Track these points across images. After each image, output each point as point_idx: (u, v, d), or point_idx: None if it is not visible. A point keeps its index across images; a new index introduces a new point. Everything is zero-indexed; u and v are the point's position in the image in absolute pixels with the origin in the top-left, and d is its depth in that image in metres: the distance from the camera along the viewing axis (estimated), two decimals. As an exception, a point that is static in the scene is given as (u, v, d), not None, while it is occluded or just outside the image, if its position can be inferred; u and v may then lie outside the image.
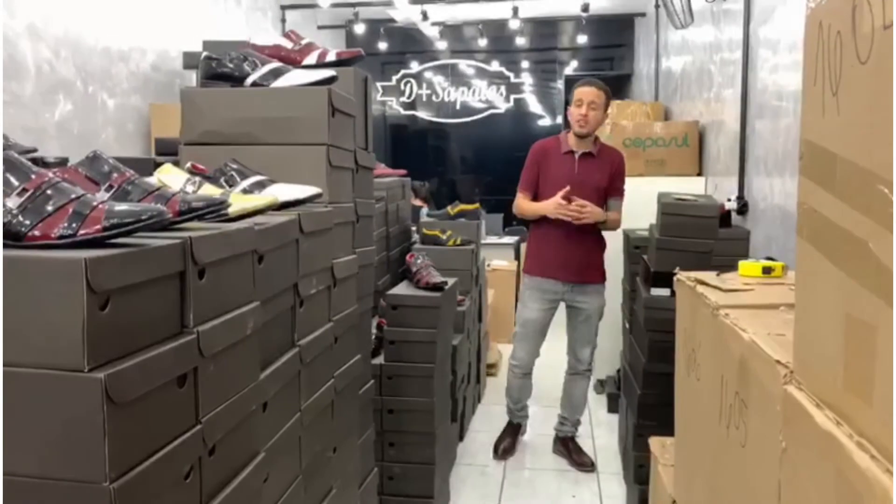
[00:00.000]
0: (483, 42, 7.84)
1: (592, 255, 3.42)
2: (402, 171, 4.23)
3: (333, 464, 1.84)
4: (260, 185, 1.60)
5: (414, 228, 4.27)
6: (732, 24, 3.63)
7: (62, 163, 2.11)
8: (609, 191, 3.37)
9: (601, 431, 3.94)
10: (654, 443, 2.05)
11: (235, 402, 1.20)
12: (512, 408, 3.70)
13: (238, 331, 1.20)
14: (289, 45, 2.07)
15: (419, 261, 3.25)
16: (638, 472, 2.83)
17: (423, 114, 8.85)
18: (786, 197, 2.79)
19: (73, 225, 0.94)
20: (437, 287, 3.05)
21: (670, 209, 2.88)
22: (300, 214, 1.54)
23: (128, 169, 1.23)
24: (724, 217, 3.09)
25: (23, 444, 0.87)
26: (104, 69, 4.19)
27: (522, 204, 3.42)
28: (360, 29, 7.20)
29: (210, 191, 1.44)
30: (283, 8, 6.74)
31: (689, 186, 3.92)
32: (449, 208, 4.35)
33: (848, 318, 0.75)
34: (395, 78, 8.69)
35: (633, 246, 3.55)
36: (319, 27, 7.45)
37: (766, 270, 1.63)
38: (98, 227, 0.95)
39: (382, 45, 7.68)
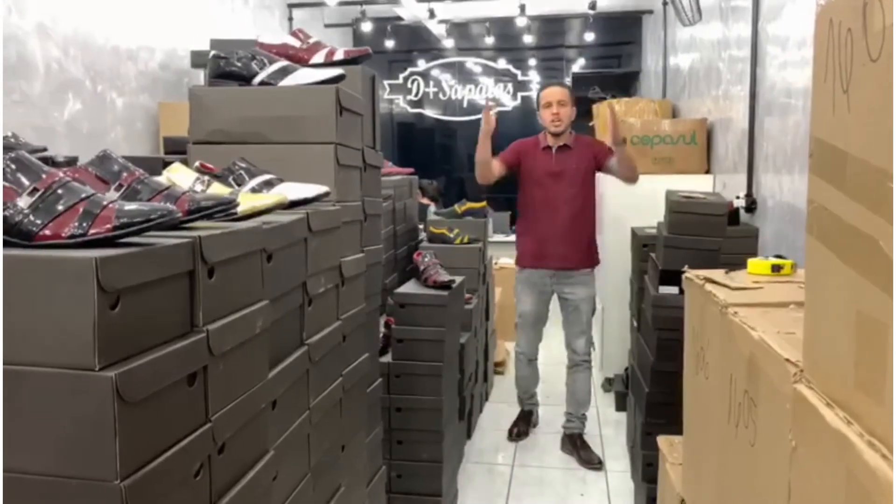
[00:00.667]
0: (490, 40, 7.83)
1: (579, 241, 3.54)
2: (410, 170, 4.23)
3: (342, 462, 1.84)
4: (268, 184, 1.60)
5: (421, 227, 4.27)
6: (741, 21, 3.62)
7: (71, 162, 2.12)
8: (600, 161, 3.54)
9: (609, 430, 3.94)
10: (663, 441, 2.05)
11: (244, 401, 1.20)
12: (521, 396, 3.88)
13: (247, 329, 1.21)
14: (296, 43, 2.07)
15: (427, 259, 3.26)
16: (646, 470, 2.82)
17: (430, 112, 8.84)
18: (794, 194, 2.78)
19: (84, 224, 0.95)
20: (445, 285, 3.05)
21: (678, 207, 2.87)
22: (308, 213, 1.54)
23: (137, 168, 1.23)
24: (733, 215, 3.08)
25: (34, 442, 0.88)
26: (113, 68, 4.21)
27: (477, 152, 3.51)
28: (366, 27, 7.20)
29: (219, 190, 1.44)
30: (291, 6, 6.75)
31: (697, 184, 3.91)
32: (456, 206, 4.35)
33: (858, 316, 0.74)
34: (402, 76, 8.69)
35: (641, 244, 3.54)
36: (326, 25, 7.46)
37: (776, 268, 1.63)
38: (108, 226, 0.95)
39: (389, 44, 7.68)
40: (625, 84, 8.21)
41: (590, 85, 7.71)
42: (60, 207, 0.96)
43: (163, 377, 0.96)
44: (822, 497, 0.82)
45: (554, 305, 3.70)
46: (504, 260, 5.84)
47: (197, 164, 1.60)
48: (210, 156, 1.72)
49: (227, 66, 1.88)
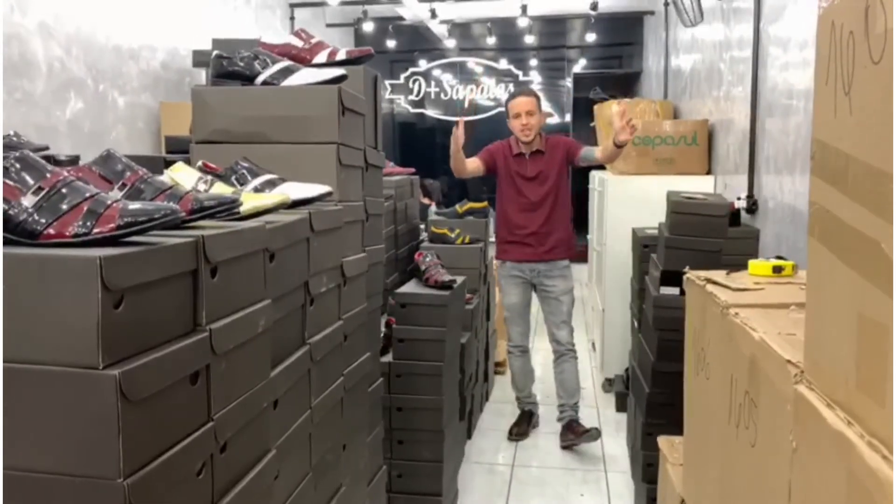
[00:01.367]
0: (492, 40, 7.83)
1: (555, 236, 3.67)
2: (411, 170, 4.23)
3: (343, 461, 1.84)
4: (271, 184, 1.61)
5: (422, 226, 4.27)
6: (742, 22, 3.62)
7: (74, 161, 2.12)
8: (573, 155, 3.66)
9: (610, 430, 3.94)
10: (663, 442, 2.05)
11: (247, 400, 1.20)
12: (519, 396, 3.92)
13: (250, 329, 1.21)
14: (299, 43, 2.08)
15: (428, 259, 3.26)
16: (646, 470, 2.82)
17: (431, 112, 8.85)
18: (796, 196, 2.78)
19: (88, 223, 0.95)
20: (446, 285, 3.05)
21: (679, 208, 2.87)
22: (311, 213, 1.55)
23: (140, 167, 1.24)
24: (734, 216, 3.08)
25: (38, 440, 0.88)
26: (115, 67, 4.21)
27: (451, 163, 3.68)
28: (368, 27, 7.21)
29: (222, 189, 1.44)
30: (292, 6, 6.75)
31: (698, 185, 3.92)
32: (457, 206, 4.35)
33: (860, 318, 0.75)
34: (403, 76, 8.69)
35: (642, 245, 3.54)
36: (328, 25, 7.46)
37: (777, 269, 1.63)
38: (112, 225, 0.95)
39: (391, 44, 7.69)
40: (626, 85, 8.22)
41: (591, 85, 7.71)
42: (65, 206, 0.96)
43: (166, 376, 0.96)
44: (822, 498, 0.82)
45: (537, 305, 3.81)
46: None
47: (200, 163, 1.60)
48: (213, 155, 1.73)
49: (230, 66, 1.88)
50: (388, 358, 2.91)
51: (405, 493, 2.88)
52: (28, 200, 0.95)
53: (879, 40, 0.69)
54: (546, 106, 9.62)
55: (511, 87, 8.61)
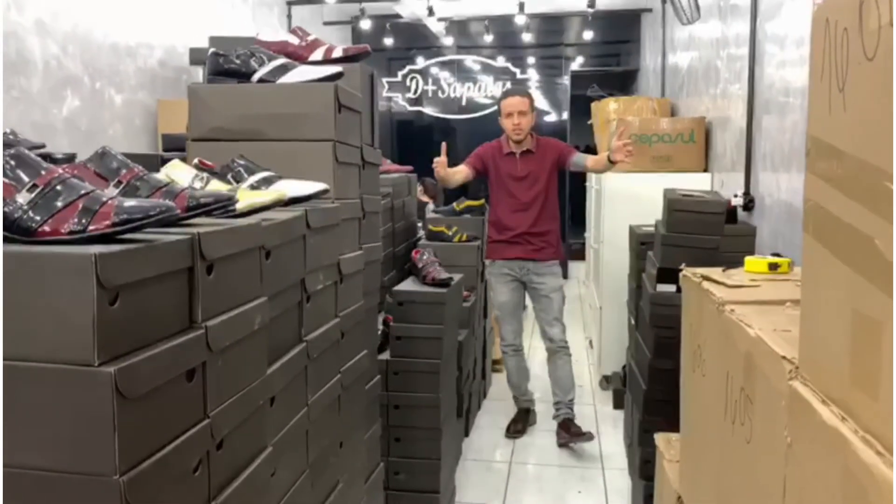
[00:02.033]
0: (489, 38, 7.83)
1: (545, 237, 3.71)
2: (408, 168, 4.23)
3: (340, 458, 1.84)
4: (267, 181, 1.60)
5: (420, 224, 4.27)
6: (739, 20, 3.62)
7: (70, 158, 2.13)
8: (564, 160, 3.71)
9: (606, 427, 3.95)
10: (660, 439, 2.05)
11: (243, 397, 1.20)
12: (516, 394, 3.94)
13: (246, 326, 1.21)
14: (295, 41, 2.08)
15: (425, 257, 3.26)
16: (643, 467, 2.83)
17: (428, 109, 8.84)
18: (792, 193, 2.78)
19: (83, 221, 0.95)
20: (443, 283, 3.05)
21: (676, 205, 2.87)
22: (307, 210, 1.55)
23: (136, 165, 1.24)
24: (731, 213, 3.08)
25: (33, 437, 0.88)
26: (111, 65, 4.21)
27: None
28: (365, 25, 7.20)
29: (218, 187, 1.44)
30: (290, 4, 6.75)
31: (695, 182, 3.92)
32: (455, 204, 4.35)
33: (854, 314, 0.75)
34: (400, 74, 8.69)
35: (639, 242, 3.54)
36: (325, 23, 7.46)
37: (773, 266, 1.63)
38: (108, 222, 0.95)
39: (388, 41, 7.68)
40: (623, 82, 8.22)
41: (588, 83, 7.72)
42: (60, 204, 0.96)
43: (162, 373, 0.96)
44: (817, 493, 0.83)
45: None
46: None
47: (196, 161, 1.60)
48: (209, 153, 1.72)
49: (226, 64, 1.88)
50: (385, 355, 2.91)
51: (402, 490, 2.88)
52: (23, 198, 0.95)
53: (873, 37, 0.69)
54: (544, 104, 9.62)
55: (508, 85, 8.62)
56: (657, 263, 2.92)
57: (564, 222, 3.74)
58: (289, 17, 6.74)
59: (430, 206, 5.60)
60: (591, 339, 5.40)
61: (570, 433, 3.63)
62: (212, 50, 1.91)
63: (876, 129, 0.69)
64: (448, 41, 8.45)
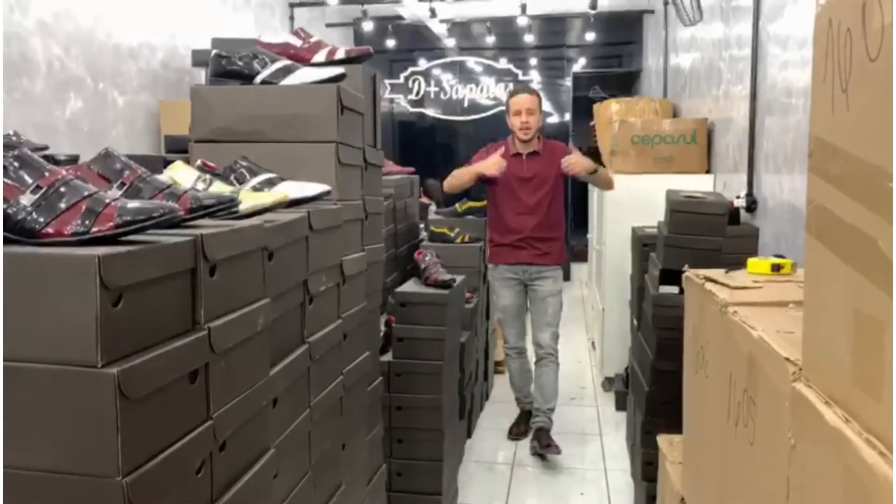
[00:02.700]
0: (491, 39, 7.83)
1: (548, 243, 3.66)
2: (411, 169, 4.24)
3: (342, 460, 1.84)
4: (270, 183, 1.61)
5: (422, 225, 4.27)
6: (742, 21, 3.62)
7: (73, 160, 2.13)
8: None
9: (609, 429, 3.95)
10: (663, 440, 2.05)
11: (246, 398, 1.21)
12: (518, 396, 3.91)
13: (248, 327, 1.21)
14: (298, 42, 2.08)
15: (427, 258, 3.26)
16: (646, 469, 2.83)
17: (430, 111, 8.84)
18: (795, 194, 2.78)
19: (87, 222, 0.95)
20: (446, 284, 3.05)
21: (679, 207, 2.87)
22: (310, 212, 1.55)
23: (139, 166, 1.24)
24: (733, 214, 3.08)
25: (36, 439, 0.88)
26: (114, 66, 4.21)
27: (458, 171, 3.66)
28: (368, 26, 7.21)
29: (220, 188, 1.45)
30: (292, 5, 6.75)
31: (697, 184, 3.92)
32: (457, 205, 4.35)
33: (857, 315, 0.75)
34: (402, 75, 8.69)
35: (642, 243, 3.54)
36: (327, 25, 7.46)
37: (776, 268, 1.63)
38: (111, 224, 0.96)
39: (390, 43, 7.69)
40: (625, 83, 8.22)
41: (590, 85, 7.71)
42: (63, 205, 0.96)
43: (165, 374, 0.96)
44: (820, 495, 0.83)
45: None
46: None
47: (199, 162, 1.60)
48: (212, 154, 1.73)
49: (229, 65, 1.88)
50: (387, 357, 2.91)
51: (405, 491, 2.88)
52: (27, 199, 0.95)
53: (876, 37, 0.69)
54: (546, 105, 9.61)
55: (511, 86, 8.60)
56: (660, 265, 2.92)
57: (567, 224, 3.66)
58: (291, 18, 6.75)
59: (432, 207, 5.60)
60: (593, 340, 5.40)
61: (541, 444, 3.55)
62: (214, 51, 1.91)
63: (879, 129, 0.69)
64: (450, 43, 8.45)
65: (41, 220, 0.95)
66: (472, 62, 8.93)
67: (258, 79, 1.87)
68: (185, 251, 1.03)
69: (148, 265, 0.95)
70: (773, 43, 3.12)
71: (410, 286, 3.13)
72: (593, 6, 6.52)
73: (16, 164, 0.97)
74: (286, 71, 1.88)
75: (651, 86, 7.06)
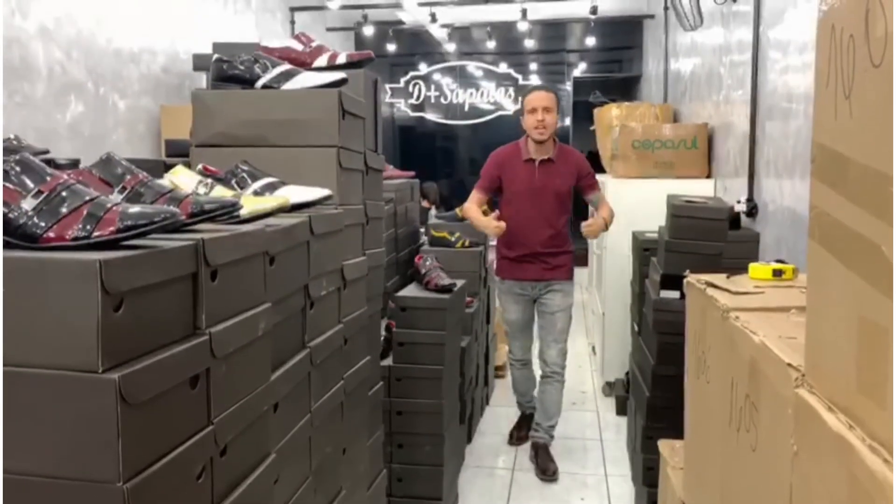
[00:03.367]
0: (491, 44, 7.83)
1: (557, 258, 3.50)
2: (411, 173, 4.24)
3: (343, 465, 1.84)
4: (271, 187, 1.61)
5: (422, 230, 4.27)
6: (742, 26, 3.62)
7: (74, 164, 2.13)
8: (583, 189, 3.54)
9: (609, 434, 3.94)
10: (664, 445, 2.05)
11: (247, 403, 1.20)
12: (520, 400, 3.84)
13: (250, 332, 1.21)
14: (299, 47, 2.08)
15: (428, 263, 3.26)
16: (647, 474, 2.82)
17: (431, 115, 8.85)
18: (796, 199, 2.78)
19: (88, 227, 0.95)
20: (446, 289, 3.05)
21: (680, 211, 2.87)
22: (311, 216, 1.55)
23: (140, 171, 1.24)
24: (734, 219, 3.08)
25: (37, 444, 0.88)
26: (115, 71, 4.22)
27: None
28: (368, 31, 7.22)
29: (222, 193, 1.45)
30: (293, 10, 6.76)
31: (698, 189, 3.91)
32: (458, 210, 4.35)
33: (861, 321, 0.75)
34: (403, 80, 8.70)
35: (643, 248, 3.54)
36: (328, 29, 7.47)
37: (777, 273, 1.63)
38: (112, 228, 0.95)
39: (391, 47, 7.70)
40: (626, 88, 8.22)
41: (591, 89, 7.72)
42: (65, 210, 0.96)
43: (166, 379, 0.96)
44: (823, 502, 0.82)
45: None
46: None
47: (200, 166, 1.60)
48: (213, 159, 1.73)
49: (230, 70, 1.88)
50: (388, 361, 2.91)
51: (405, 496, 2.88)
52: (28, 204, 0.95)
53: (880, 43, 0.69)
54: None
55: (511, 91, 8.60)
56: (660, 269, 2.92)
57: (569, 227, 3.57)
58: (292, 22, 6.76)
59: (433, 211, 5.60)
60: (593, 345, 5.39)
61: (536, 460, 3.49)
62: (216, 56, 1.91)
63: (882, 135, 0.69)
64: (450, 47, 8.46)
65: (43, 224, 0.95)
66: (472, 67, 8.94)
67: (259, 83, 1.87)
68: (186, 256, 1.03)
69: (149, 270, 0.95)
70: (774, 48, 3.12)
71: (411, 291, 3.13)
72: (594, 11, 6.53)
73: (17, 168, 0.97)
74: (287, 75, 1.88)
75: (651, 90, 7.07)
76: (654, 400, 2.85)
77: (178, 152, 3.24)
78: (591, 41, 7.81)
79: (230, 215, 1.26)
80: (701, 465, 1.57)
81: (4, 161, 0.96)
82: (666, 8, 5.94)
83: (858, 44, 0.74)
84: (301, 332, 1.57)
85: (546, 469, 3.42)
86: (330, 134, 1.82)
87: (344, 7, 6.85)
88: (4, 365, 0.87)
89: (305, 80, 1.87)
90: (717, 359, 1.41)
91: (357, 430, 1.99)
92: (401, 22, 7.76)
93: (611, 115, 5.18)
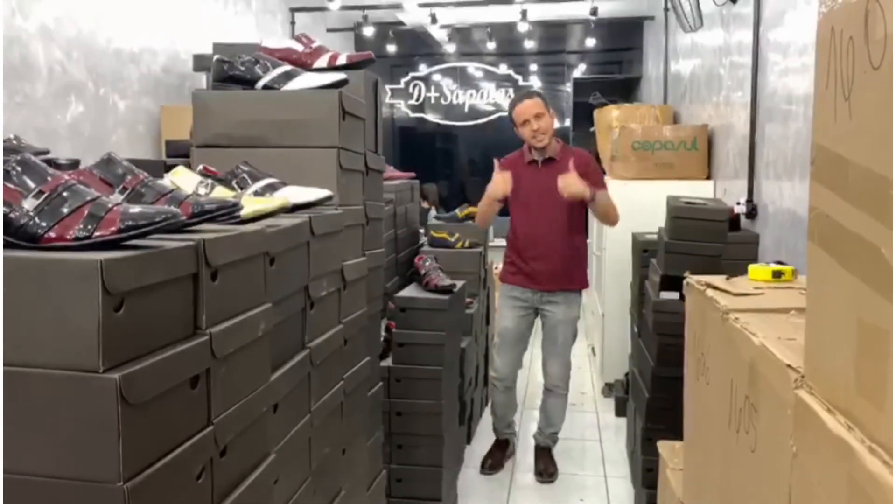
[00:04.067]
0: (491, 45, 7.83)
1: (568, 264, 3.34)
2: (411, 174, 4.24)
3: (342, 465, 1.84)
4: (271, 188, 1.61)
5: (422, 231, 4.27)
6: (742, 28, 3.63)
7: (74, 164, 2.13)
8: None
9: (609, 435, 3.94)
10: (663, 447, 2.05)
11: (247, 404, 1.20)
12: (497, 426, 3.61)
13: (250, 332, 1.21)
14: (300, 48, 2.08)
15: (427, 263, 3.26)
16: (646, 475, 2.82)
17: (431, 116, 8.85)
18: (795, 201, 2.78)
19: (89, 227, 0.95)
20: (446, 290, 3.05)
21: (679, 213, 2.87)
22: (311, 217, 1.55)
23: (141, 171, 1.24)
24: (734, 221, 3.09)
25: (37, 444, 0.88)
26: (115, 71, 4.22)
27: (480, 205, 3.45)
28: (368, 32, 7.22)
29: (222, 193, 1.45)
30: (293, 10, 6.76)
31: (698, 190, 3.92)
32: (457, 211, 4.35)
33: (860, 323, 0.75)
34: (403, 80, 8.70)
35: (642, 249, 3.54)
36: (328, 30, 7.47)
37: (776, 274, 1.63)
38: (113, 228, 0.96)
39: (391, 48, 7.69)
40: (626, 90, 8.22)
41: (591, 91, 7.72)
42: (66, 210, 0.96)
43: (166, 379, 0.96)
44: (823, 503, 0.82)
45: (536, 327, 3.55)
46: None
47: (200, 167, 1.60)
48: (213, 159, 1.73)
49: (231, 70, 1.88)
50: (387, 362, 2.91)
51: (405, 497, 2.88)
52: (29, 204, 0.95)
53: (879, 46, 0.69)
54: (546, 111, 9.61)
55: (511, 92, 8.59)
56: (660, 271, 2.92)
57: (584, 233, 3.38)
58: (292, 23, 6.76)
59: (433, 212, 5.60)
60: (593, 346, 5.39)
61: (538, 468, 3.45)
62: (216, 56, 1.91)
63: (881, 138, 0.69)
64: (450, 48, 8.46)
65: (43, 224, 0.95)
66: (472, 68, 8.94)
67: (260, 84, 1.87)
68: (187, 256, 1.03)
69: (150, 270, 0.95)
70: (774, 50, 3.12)
71: (411, 291, 3.13)
72: (594, 12, 6.53)
73: (18, 168, 0.97)
74: (288, 76, 1.88)
75: (651, 92, 7.07)
76: (654, 401, 2.85)
77: (179, 153, 3.25)
78: (591, 42, 7.81)
79: (231, 216, 1.26)
80: (700, 466, 1.57)
81: (5, 161, 0.96)
82: (666, 9, 5.94)
83: (858, 46, 0.74)
84: (301, 332, 1.58)
85: (545, 471, 3.42)
86: (330, 135, 1.82)
87: (344, 8, 6.84)
88: (4, 365, 0.87)
89: (306, 80, 1.88)
90: (716, 360, 1.41)
91: (356, 431, 2.00)
92: (401, 23, 7.76)
93: (611, 117, 5.18)
